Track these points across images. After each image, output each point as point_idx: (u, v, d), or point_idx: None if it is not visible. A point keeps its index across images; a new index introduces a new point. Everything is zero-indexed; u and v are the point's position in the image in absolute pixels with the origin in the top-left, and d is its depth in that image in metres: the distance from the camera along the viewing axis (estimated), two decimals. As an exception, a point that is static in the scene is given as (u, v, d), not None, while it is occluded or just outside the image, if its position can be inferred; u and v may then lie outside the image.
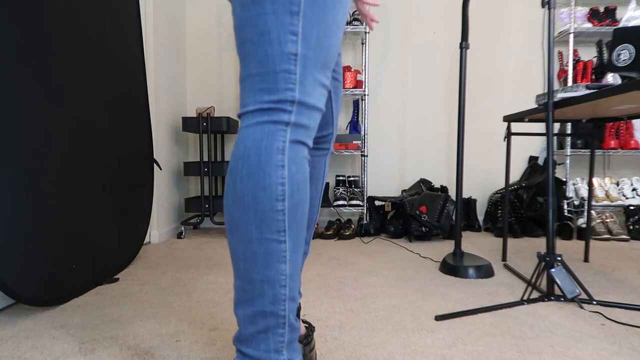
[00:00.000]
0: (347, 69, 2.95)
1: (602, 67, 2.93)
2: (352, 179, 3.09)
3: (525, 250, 2.41)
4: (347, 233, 2.77)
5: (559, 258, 1.55)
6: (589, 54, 3.14)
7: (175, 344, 1.23)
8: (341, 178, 3.05)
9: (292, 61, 0.74)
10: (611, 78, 2.18)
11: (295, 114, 0.76)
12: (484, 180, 3.22)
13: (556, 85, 3.11)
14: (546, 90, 2.16)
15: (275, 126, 0.75)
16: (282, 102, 0.75)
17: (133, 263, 2.13)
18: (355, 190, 3.02)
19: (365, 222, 2.89)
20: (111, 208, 1.90)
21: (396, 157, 3.22)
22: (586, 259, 2.16)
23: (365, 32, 2.94)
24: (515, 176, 3.20)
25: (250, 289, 0.77)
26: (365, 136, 2.97)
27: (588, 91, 1.56)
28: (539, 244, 2.61)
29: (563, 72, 3.07)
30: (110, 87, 1.92)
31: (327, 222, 2.93)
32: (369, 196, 3.00)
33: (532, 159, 3.15)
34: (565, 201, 2.81)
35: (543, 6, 1.57)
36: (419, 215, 2.68)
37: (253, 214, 0.74)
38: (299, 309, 0.98)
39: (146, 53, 2.54)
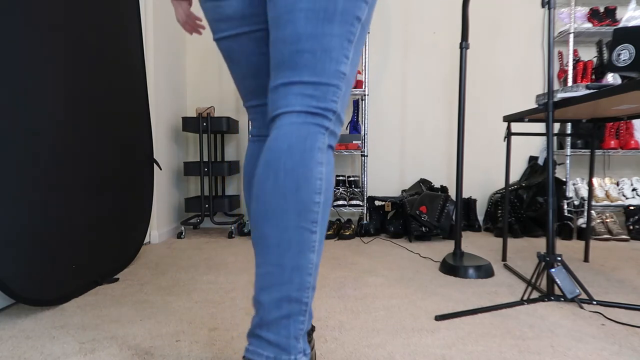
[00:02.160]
0: (347, 69, 2.95)
1: (602, 67, 2.93)
2: (352, 179, 3.08)
3: (525, 250, 2.41)
4: (347, 233, 2.77)
5: (559, 258, 1.55)
6: (589, 54, 3.14)
7: (175, 344, 1.23)
8: (341, 178, 3.05)
9: (342, 79, 0.85)
10: (611, 78, 2.18)
11: (333, 123, 0.86)
12: (484, 180, 3.22)
13: (556, 85, 3.11)
14: (546, 90, 2.16)
15: (319, 129, 0.83)
16: (327, 110, 0.84)
17: (133, 263, 2.13)
18: (355, 190, 3.02)
19: (365, 222, 2.89)
20: (111, 208, 1.90)
21: (396, 157, 3.22)
22: (586, 259, 2.16)
23: (366, 33, 2.94)
24: (515, 176, 3.20)
25: (280, 274, 0.80)
26: (365, 136, 2.97)
27: (588, 91, 1.56)
28: (539, 244, 2.61)
29: (563, 72, 3.07)
30: (110, 87, 1.92)
31: (327, 222, 2.92)
32: (369, 196, 3.00)
33: (532, 159, 3.15)
34: (565, 201, 2.81)
35: (543, 6, 1.57)
36: (419, 215, 2.68)
37: (294, 203, 0.79)
38: None
39: (146, 53, 2.54)
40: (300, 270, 0.80)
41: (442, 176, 3.23)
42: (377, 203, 2.98)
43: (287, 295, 0.80)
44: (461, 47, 2.01)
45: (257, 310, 0.82)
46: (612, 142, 2.91)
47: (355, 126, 3.05)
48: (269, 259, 0.80)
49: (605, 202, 2.90)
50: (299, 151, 0.79)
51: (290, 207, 0.79)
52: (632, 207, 2.80)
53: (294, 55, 0.81)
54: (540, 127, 3.10)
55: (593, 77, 2.99)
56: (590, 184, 2.14)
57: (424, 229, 2.67)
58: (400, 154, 3.22)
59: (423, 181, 3.12)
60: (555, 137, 3.05)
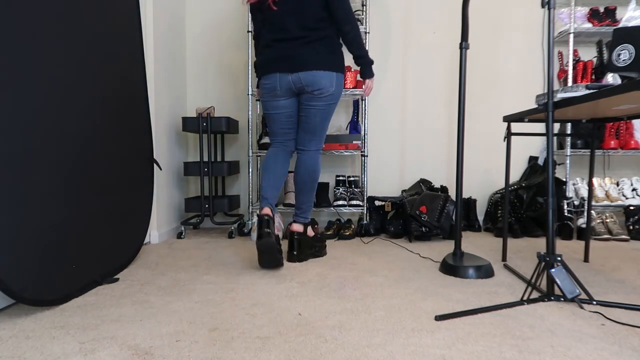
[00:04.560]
0: (347, 69, 2.95)
1: (602, 67, 2.93)
2: (352, 179, 3.08)
3: (525, 250, 2.41)
4: (347, 233, 2.77)
5: (559, 258, 1.55)
6: (589, 54, 3.14)
7: (175, 344, 1.23)
8: (341, 178, 3.05)
9: (325, 135, 2.24)
10: (611, 78, 2.18)
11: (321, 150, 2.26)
12: (484, 180, 3.22)
13: (556, 85, 3.11)
14: (546, 90, 2.16)
15: (319, 154, 2.21)
16: (321, 147, 2.22)
17: (133, 263, 2.13)
18: (355, 190, 3.01)
19: (365, 222, 2.89)
20: (111, 208, 1.90)
21: (396, 157, 3.23)
22: (586, 259, 2.16)
23: (366, 33, 2.94)
24: (515, 176, 3.20)
25: (311, 201, 2.25)
26: (365, 136, 2.97)
27: (588, 91, 1.56)
28: (539, 244, 2.61)
29: (563, 72, 3.07)
30: (110, 87, 1.92)
31: (327, 222, 2.93)
32: (369, 196, 3.00)
33: (532, 159, 3.15)
34: (565, 201, 2.81)
35: (543, 6, 1.57)
36: (419, 215, 2.68)
37: (314, 179, 2.18)
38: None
39: (146, 53, 2.54)
40: (312, 200, 2.24)
41: (442, 176, 3.23)
42: (377, 203, 2.98)
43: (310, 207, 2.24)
44: (461, 47, 2.01)
45: (302, 211, 2.21)
46: (612, 142, 2.91)
47: (355, 126, 3.05)
48: (309, 197, 2.20)
49: (605, 202, 2.90)
50: (316, 164, 2.16)
51: (313, 181, 2.16)
52: (632, 207, 2.80)
53: (324, 125, 2.16)
54: (540, 127, 3.10)
55: (593, 77, 2.98)
56: (590, 184, 2.14)
57: (424, 229, 2.67)
58: (400, 154, 3.22)
59: (423, 181, 3.12)
60: (555, 137, 3.05)
